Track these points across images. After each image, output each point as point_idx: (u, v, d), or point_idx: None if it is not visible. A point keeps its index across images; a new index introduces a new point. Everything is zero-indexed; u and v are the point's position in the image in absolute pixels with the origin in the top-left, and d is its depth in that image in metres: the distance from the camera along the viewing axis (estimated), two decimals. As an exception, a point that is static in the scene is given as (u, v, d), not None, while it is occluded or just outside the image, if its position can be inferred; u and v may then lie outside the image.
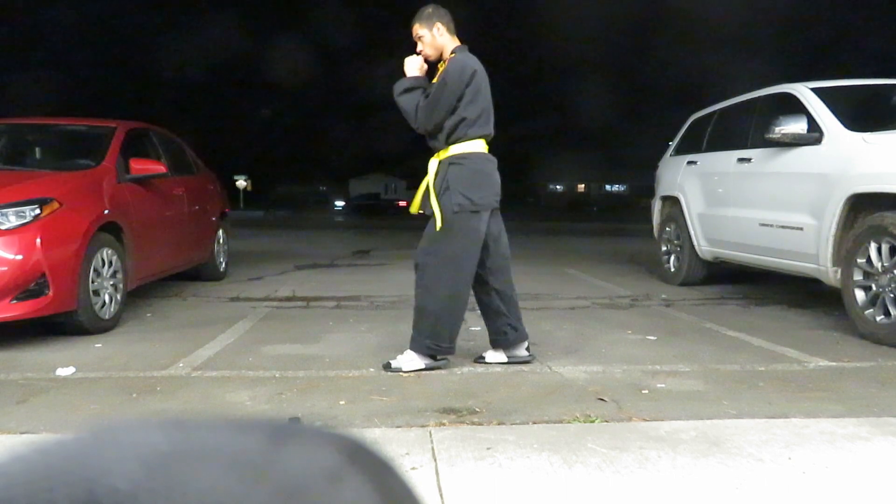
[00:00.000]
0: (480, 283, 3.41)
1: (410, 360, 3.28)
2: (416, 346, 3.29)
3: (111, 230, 4.35)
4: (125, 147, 4.92)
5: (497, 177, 3.36)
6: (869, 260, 3.96)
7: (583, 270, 7.48)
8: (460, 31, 3.41)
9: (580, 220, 20.71)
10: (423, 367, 3.27)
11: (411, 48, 3.42)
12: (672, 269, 6.43)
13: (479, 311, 4.93)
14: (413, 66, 3.39)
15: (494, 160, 3.36)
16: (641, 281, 6.64)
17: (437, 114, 3.27)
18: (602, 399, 2.82)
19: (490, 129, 3.33)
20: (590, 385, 3.04)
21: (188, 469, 0.25)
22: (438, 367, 3.30)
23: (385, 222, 26.42)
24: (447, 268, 3.27)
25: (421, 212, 3.43)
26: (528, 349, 3.47)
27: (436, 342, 3.27)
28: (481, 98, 3.28)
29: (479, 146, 3.30)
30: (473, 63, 3.30)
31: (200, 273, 6.30)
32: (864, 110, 4.79)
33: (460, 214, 3.23)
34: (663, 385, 3.05)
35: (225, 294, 5.73)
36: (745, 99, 5.78)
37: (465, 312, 3.35)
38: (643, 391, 2.95)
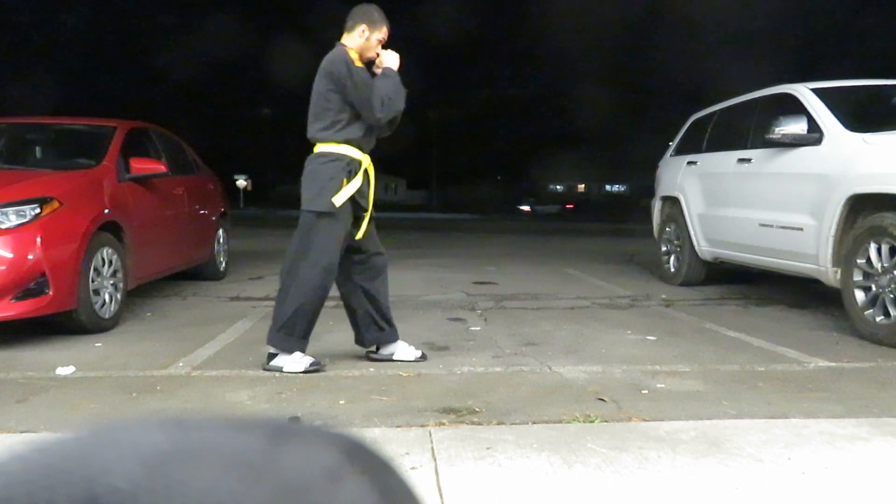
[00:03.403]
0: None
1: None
2: None
3: (111, 229, 4.35)
4: (125, 146, 4.92)
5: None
6: (869, 260, 3.96)
7: (583, 270, 7.48)
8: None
9: (580, 219, 20.71)
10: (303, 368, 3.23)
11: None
12: (672, 270, 6.43)
13: (478, 311, 4.94)
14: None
15: None
16: (641, 281, 6.64)
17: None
18: (602, 399, 2.82)
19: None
20: (589, 385, 3.04)
21: (188, 469, 0.25)
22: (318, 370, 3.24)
23: (385, 221, 26.40)
24: None
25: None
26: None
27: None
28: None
29: None
30: None
31: (200, 272, 6.30)
32: (864, 111, 4.79)
33: None
34: (663, 385, 3.05)
35: (225, 293, 5.73)
36: (745, 99, 5.78)
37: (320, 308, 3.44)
38: (643, 391, 2.95)
